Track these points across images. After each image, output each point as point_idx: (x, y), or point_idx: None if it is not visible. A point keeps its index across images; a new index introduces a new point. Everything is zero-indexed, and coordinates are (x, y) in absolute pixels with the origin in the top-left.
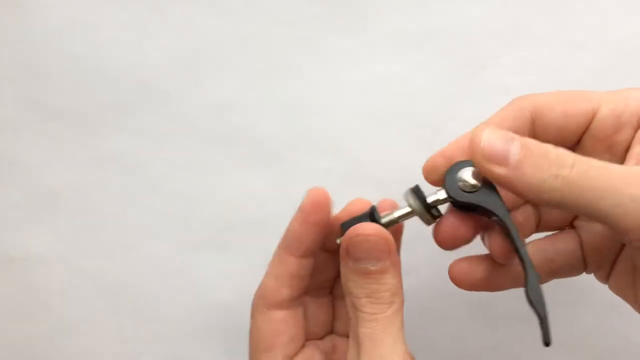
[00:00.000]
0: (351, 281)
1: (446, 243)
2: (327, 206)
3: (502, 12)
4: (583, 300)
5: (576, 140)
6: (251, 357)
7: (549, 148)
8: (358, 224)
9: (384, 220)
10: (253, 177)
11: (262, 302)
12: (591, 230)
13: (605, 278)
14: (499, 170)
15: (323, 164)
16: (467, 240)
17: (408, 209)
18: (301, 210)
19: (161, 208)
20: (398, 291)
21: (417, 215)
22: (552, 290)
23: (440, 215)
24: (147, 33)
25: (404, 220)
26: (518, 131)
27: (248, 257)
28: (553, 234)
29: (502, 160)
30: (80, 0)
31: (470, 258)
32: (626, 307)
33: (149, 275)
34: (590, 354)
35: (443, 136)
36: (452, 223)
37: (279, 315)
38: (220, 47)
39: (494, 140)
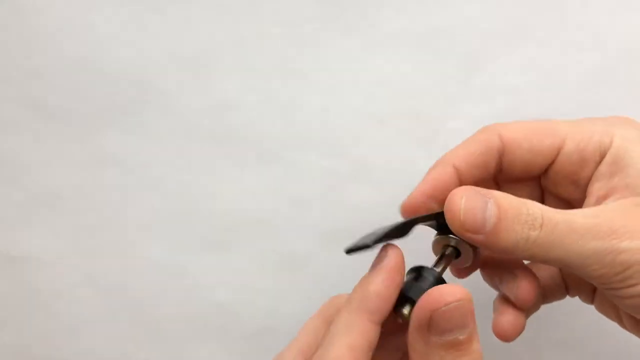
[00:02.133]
0: (437, 357)
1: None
2: (404, 265)
3: (502, 12)
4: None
5: (542, 171)
6: None
7: (521, 207)
8: (436, 289)
9: (439, 271)
10: (253, 177)
11: None
12: None
13: (589, 301)
14: (476, 237)
15: (323, 164)
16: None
17: (450, 249)
18: (385, 269)
19: (161, 208)
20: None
21: (460, 249)
22: None
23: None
24: (147, 33)
25: (448, 265)
26: (486, 166)
27: (248, 257)
28: (534, 264)
29: (480, 229)
30: (80, 0)
31: (509, 310)
32: None
33: (148, 275)
34: (590, 354)
35: (443, 136)
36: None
37: None
38: (220, 47)
39: (471, 209)
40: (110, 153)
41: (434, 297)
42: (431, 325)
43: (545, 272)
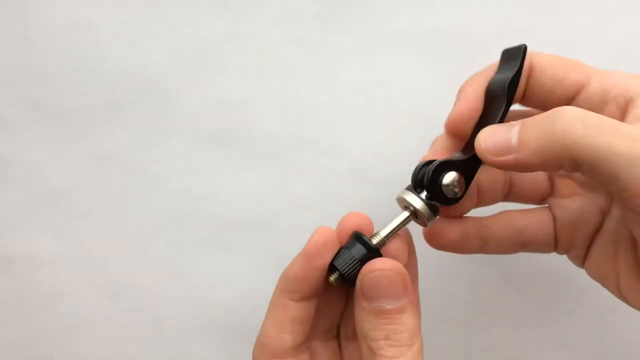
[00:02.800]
0: (367, 322)
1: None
2: (334, 246)
3: (502, 13)
4: (583, 300)
5: (563, 104)
6: None
7: (547, 114)
8: (374, 260)
9: (378, 240)
10: (253, 177)
11: (262, 352)
12: (567, 207)
13: (580, 260)
14: (507, 160)
15: (323, 164)
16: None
17: (407, 214)
18: (305, 253)
19: (161, 208)
20: (417, 332)
21: (418, 215)
22: (553, 290)
23: (437, 210)
24: (147, 33)
25: (400, 228)
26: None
27: (248, 257)
28: (527, 209)
29: (505, 151)
30: (80, 0)
31: (447, 219)
32: (625, 307)
33: (148, 275)
34: (590, 354)
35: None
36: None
37: None
38: (220, 47)
39: (493, 135)
40: (110, 153)
41: (367, 266)
42: (363, 290)
43: (536, 219)
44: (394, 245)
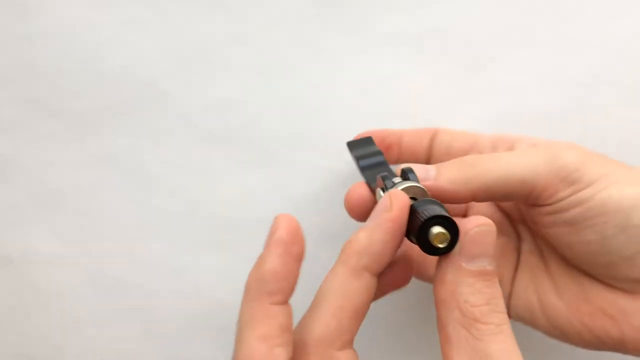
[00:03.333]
0: (467, 286)
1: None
2: (302, 234)
3: (502, 12)
4: None
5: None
6: None
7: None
8: (473, 217)
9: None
10: (253, 177)
11: (322, 343)
12: None
13: (505, 301)
14: (427, 182)
15: (323, 164)
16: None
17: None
18: (279, 242)
19: (161, 208)
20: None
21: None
22: None
23: None
24: (147, 33)
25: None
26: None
27: (248, 257)
28: None
29: (426, 177)
30: (81, 0)
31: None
32: None
33: (148, 275)
34: (591, 354)
35: None
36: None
37: (349, 356)
38: (220, 47)
39: (414, 167)
40: (110, 153)
41: (469, 220)
42: (464, 248)
43: None
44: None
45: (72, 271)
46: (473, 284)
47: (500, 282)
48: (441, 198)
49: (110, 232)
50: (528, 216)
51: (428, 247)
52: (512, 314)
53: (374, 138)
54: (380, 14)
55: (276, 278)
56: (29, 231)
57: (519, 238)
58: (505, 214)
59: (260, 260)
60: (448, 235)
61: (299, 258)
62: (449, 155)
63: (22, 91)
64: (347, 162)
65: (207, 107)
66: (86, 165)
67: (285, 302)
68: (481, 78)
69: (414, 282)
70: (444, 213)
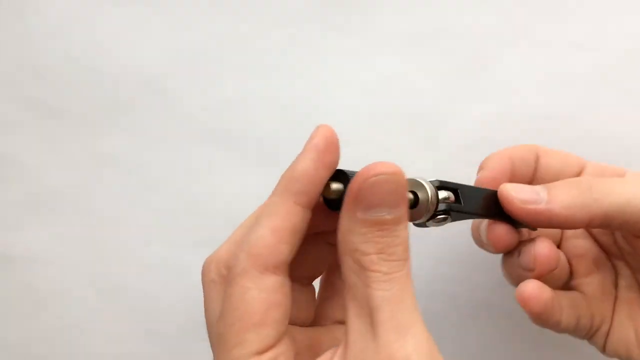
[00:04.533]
0: (359, 235)
1: (502, 246)
2: (339, 149)
3: (503, 13)
4: None
5: None
6: (224, 336)
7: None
8: (374, 163)
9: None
10: (253, 177)
11: (254, 264)
12: (590, 284)
13: (603, 338)
14: (537, 207)
15: None
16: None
17: (410, 196)
18: (314, 148)
19: (161, 208)
20: (409, 246)
21: (422, 206)
22: None
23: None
24: (147, 33)
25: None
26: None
27: None
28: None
29: (536, 199)
30: (81, 0)
31: (535, 281)
32: None
33: (148, 275)
34: (591, 354)
35: (443, 136)
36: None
37: (276, 281)
38: (220, 47)
39: (519, 187)
40: (110, 153)
41: (369, 168)
42: (358, 198)
43: (572, 301)
44: None
45: (72, 271)
46: (365, 233)
47: (600, 319)
48: (551, 223)
49: (110, 232)
50: (632, 249)
51: (327, 202)
52: (608, 350)
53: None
54: (380, 14)
55: (304, 179)
56: (29, 231)
57: (616, 274)
58: (603, 249)
59: (295, 162)
60: (343, 189)
61: (330, 167)
62: (557, 178)
63: (22, 91)
64: (347, 162)
65: (207, 107)
66: (86, 165)
67: (307, 205)
68: (481, 78)
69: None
70: (344, 170)
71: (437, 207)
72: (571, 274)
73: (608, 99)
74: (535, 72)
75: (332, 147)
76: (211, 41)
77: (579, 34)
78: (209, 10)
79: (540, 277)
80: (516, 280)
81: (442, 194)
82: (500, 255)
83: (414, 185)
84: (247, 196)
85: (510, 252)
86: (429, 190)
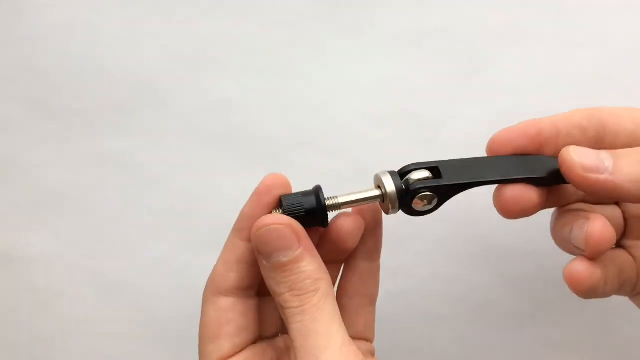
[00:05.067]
0: (271, 279)
1: (511, 210)
2: (284, 189)
3: (502, 12)
4: (583, 300)
5: None
6: (199, 347)
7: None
8: (262, 217)
9: (332, 202)
10: (253, 177)
11: (210, 289)
12: None
13: None
14: (601, 178)
15: (323, 164)
16: (534, 208)
17: (376, 192)
18: (254, 193)
19: (161, 208)
20: (320, 275)
21: (385, 200)
22: (553, 290)
23: (405, 204)
24: (147, 33)
25: (361, 203)
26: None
27: None
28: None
29: (601, 168)
30: (80, 0)
31: (586, 262)
32: (626, 307)
33: (149, 275)
34: (591, 354)
35: (443, 136)
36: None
37: (227, 302)
38: (220, 47)
39: (584, 153)
40: (110, 153)
41: (256, 224)
42: (257, 249)
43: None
44: (344, 219)
45: (72, 271)
46: (274, 277)
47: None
48: (614, 196)
49: (110, 232)
50: None
51: None
52: None
53: (514, 135)
54: (380, 14)
55: (244, 219)
56: (29, 231)
57: None
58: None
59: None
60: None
61: (268, 206)
62: (630, 143)
63: (22, 91)
64: (347, 162)
65: (207, 107)
66: (86, 165)
67: (248, 240)
68: (481, 78)
69: (412, 286)
70: (290, 205)
71: (407, 190)
72: (624, 233)
73: (608, 99)
74: (535, 72)
75: (273, 190)
76: (211, 41)
77: (579, 34)
78: (208, 10)
79: (593, 258)
80: (566, 250)
81: (418, 174)
82: (501, 255)
83: (378, 180)
84: (247, 196)
85: (561, 223)
86: (390, 179)
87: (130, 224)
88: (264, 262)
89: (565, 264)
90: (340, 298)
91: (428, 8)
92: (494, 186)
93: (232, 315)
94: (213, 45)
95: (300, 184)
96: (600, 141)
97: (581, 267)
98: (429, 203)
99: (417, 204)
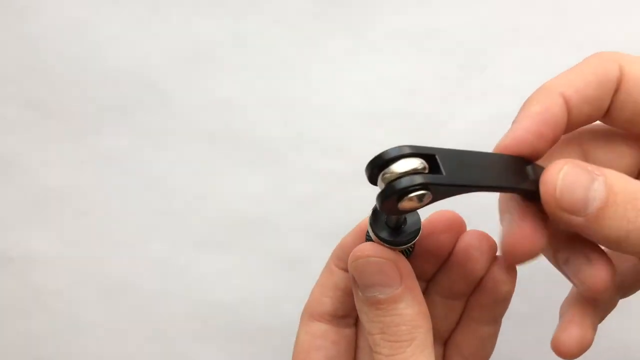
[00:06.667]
0: (363, 314)
1: (523, 254)
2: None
3: (502, 12)
4: None
5: None
6: None
7: (638, 192)
8: (361, 245)
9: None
10: (253, 177)
11: (306, 312)
12: None
13: None
14: (574, 219)
15: (323, 164)
16: (541, 249)
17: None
18: (359, 225)
19: (161, 208)
20: (419, 322)
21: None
22: (553, 290)
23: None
24: (147, 33)
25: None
26: (599, 103)
27: (248, 257)
28: None
29: (580, 210)
30: (80, 0)
31: (572, 322)
32: (625, 307)
33: (149, 275)
34: (591, 354)
35: (443, 136)
36: (528, 227)
37: (319, 328)
38: (220, 47)
39: (572, 185)
40: (110, 153)
41: (354, 251)
42: (353, 278)
43: (628, 263)
44: (472, 235)
45: (72, 271)
46: (367, 312)
47: None
48: (596, 241)
49: (110, 232)
50: None
51: None
52: None
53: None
54: (380, 14)
55: (344, 249)
56: (29, 231)
57: None
58: None
59: (348, 233)
60: None
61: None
62: (627, 124)
63: (22, 91)
64: (347, 162)
65: (207, 107)
66: (86, 165)
67: (345, 269)
68: (481, 78)
69: None
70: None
71: (392, 185)
72: None
73: None
74: (535, 72)
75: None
76: (211, 41)
77: (579, 34)
78: (208, 10)
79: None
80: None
81: (410, 163)
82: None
83: None
84: (247, 196)
85: (555, 244)
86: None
87: (130, 224)
88: (359, 293)
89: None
90: (452, 357)
91: (428, 8)
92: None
93: (323, 342)
94: (213, 45)
95: (300, 184)
96: (604, 114)
97: (570, 342)
98: (419, 202)
99: (406, 205)
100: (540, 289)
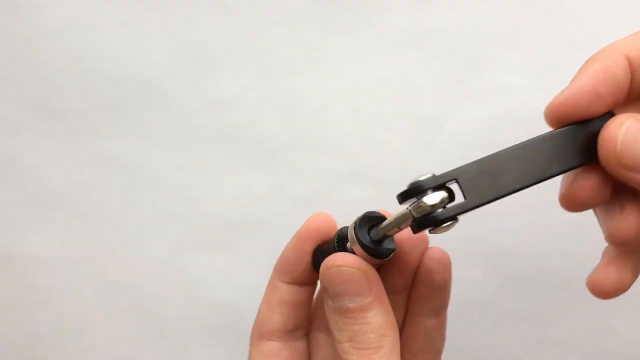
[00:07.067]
0: (332, 322)
1: (580, 202)
2: (328, 232)
3: (502, 12)
4: (583, 300)
5: None
6: None
7: None
8: (333, 255)
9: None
10: (253, 177)
11: (255, 331)
12: None
13: None
14: (635, 176)
15: (323, 164)
16: (602, 200)
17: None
18: (296, 236)
19: (161, 208)
20: (387, 331)
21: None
22: (553, 290)
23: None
24: (147, 33)
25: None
26: (617, 94)
27: (248, 257)
28: None
29: None
30: (80, 0)
31: (610, 263)
32: (625, 307)
33: (149, 275)
34: (591, 354)
35: (443, 137)
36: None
37: (271, 347)
38: (220, 47)
39: (635, 140)
40: (110, 153)
41: (326, 261)
42: (323, 287)
43: None
44: (435, 250)
45: (72, 271)
46: (337, 320)
47: None
48: None
49: (110, 232)
50: None
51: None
52: None
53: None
54: (380, 14)
55: (285, 263)
56: (29, 231)
57: None
58: None
59: (286, 245)
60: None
61: (307, 252)
62: None
63: (22, 91)
64: (346, 162)
65: (207, 107)
66: (86, 165)
67: (290, 282)
68: (481, 78)
69: None
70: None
71: (428, 218)
72: None
73: None
74: (535, 72)
75: (315, 234)
76: (210, 41)
77: (579, 34)
78: (208, 10)
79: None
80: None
81: (433, 197)
82: (501, 255)
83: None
84: (247, 196)
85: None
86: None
87: (131, 224)
88: (329, 302)
89: (564, 266)
90: (403, 355)
91: (428, 8)
92: None
93: None
94: (213, 46)
95: (299, 184)
96: (623, 101)
97: (606, 280)
98: (449, 229)
99: (437, 232)
100: (540, 289)
